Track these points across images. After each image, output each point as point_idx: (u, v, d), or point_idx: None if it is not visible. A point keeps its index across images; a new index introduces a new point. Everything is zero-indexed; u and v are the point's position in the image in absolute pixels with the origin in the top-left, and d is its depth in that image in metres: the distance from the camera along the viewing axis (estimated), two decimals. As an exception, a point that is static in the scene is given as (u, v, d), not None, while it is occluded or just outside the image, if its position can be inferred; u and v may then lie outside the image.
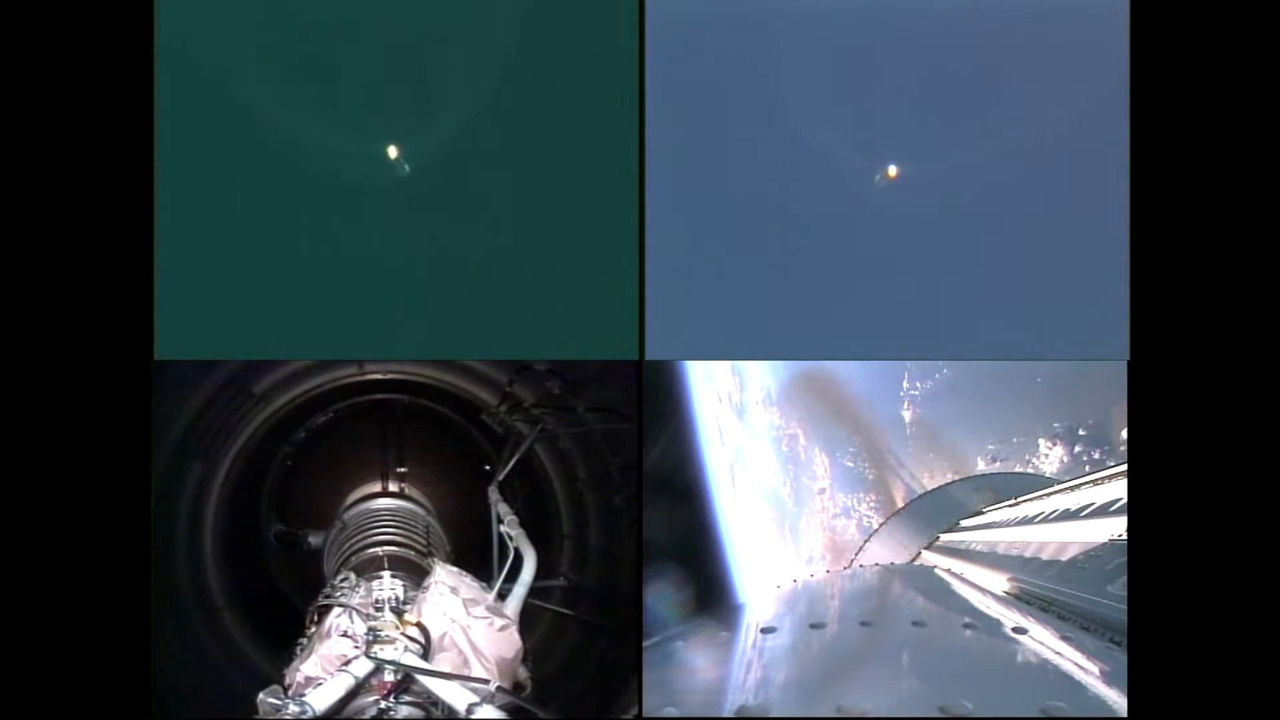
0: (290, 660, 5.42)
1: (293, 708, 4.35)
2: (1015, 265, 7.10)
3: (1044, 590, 7.97)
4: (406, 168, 6.76)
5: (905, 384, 43.67)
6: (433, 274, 6.90)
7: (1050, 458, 39.22)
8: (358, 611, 5.43)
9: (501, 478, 8.18)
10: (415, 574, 6.54)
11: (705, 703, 4.56)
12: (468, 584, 5.92)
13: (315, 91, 6.95)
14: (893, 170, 6.88)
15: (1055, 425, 39.50)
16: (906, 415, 44.24)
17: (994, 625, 5.83)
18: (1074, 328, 6.96)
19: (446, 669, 5.07)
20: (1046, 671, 4.60)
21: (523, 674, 5.70)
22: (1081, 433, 38.76)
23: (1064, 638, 5.39)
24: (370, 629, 5.24)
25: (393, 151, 6.72)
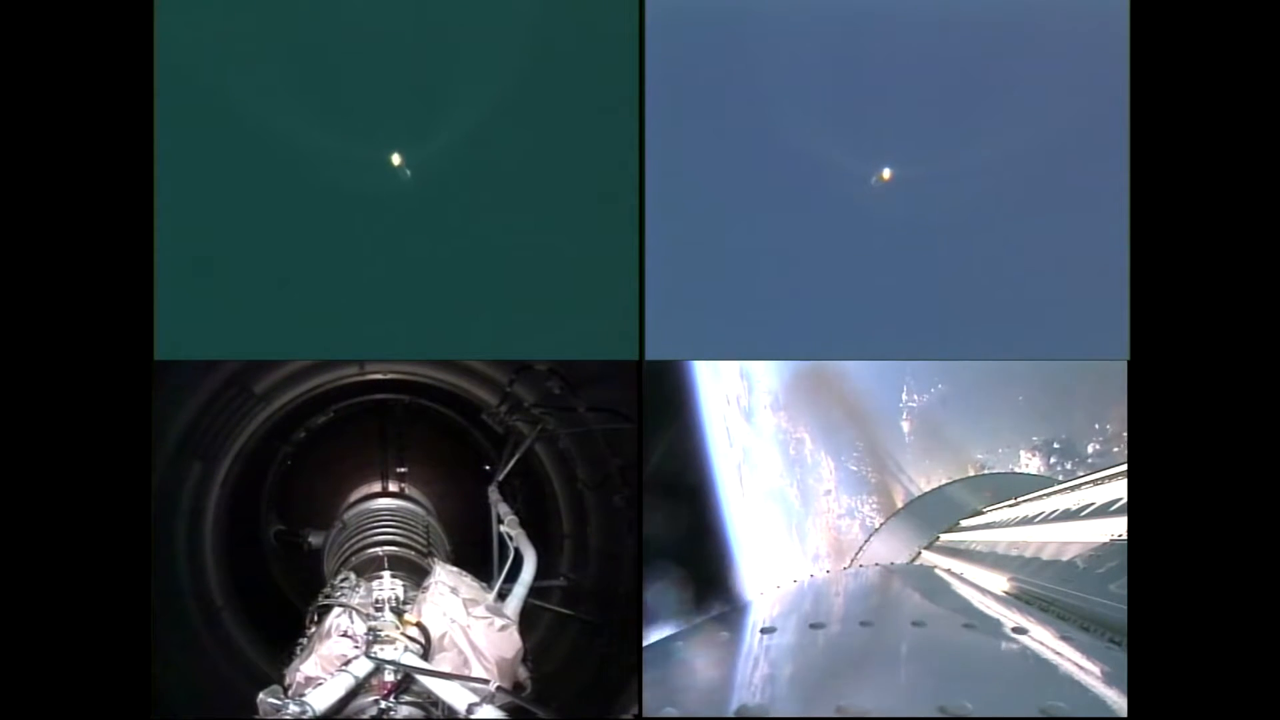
0: (290, 660, 5.42)
1: (293, 708, 4.35)
2: (1015, 266, 7.10)
3: (1044, 590, 7.95)
4: (409, 173, 6.77)
5: (904, 396, 45.59)
6: (433, 274, 6.90)
7: (1030, 467, 41.20)
8: (358, 611, 5.42)
9: (501, 478, 8.17)
10: (415, 574, 6.54)
11: (705, 702, 4.55)
12: (468, 584, 5.92)
13: (315, 93, 6.95)
14: (887, 172, 6.89)
15: (1034, 438, 41.58)
16: (905, 426, 45.82)
17: (994, 625, 5.82)
18: (1074, 328, 6.96)
19: (446, 669, 5.07)
20: (1046, 671, 4.58)
21: (523, 674, 5.69)
22: (1056, 445, 41.53)
23: (1064, 638, 5.38)
24: (370, 629, 5.24)
25: (396, 159, 6.73)
